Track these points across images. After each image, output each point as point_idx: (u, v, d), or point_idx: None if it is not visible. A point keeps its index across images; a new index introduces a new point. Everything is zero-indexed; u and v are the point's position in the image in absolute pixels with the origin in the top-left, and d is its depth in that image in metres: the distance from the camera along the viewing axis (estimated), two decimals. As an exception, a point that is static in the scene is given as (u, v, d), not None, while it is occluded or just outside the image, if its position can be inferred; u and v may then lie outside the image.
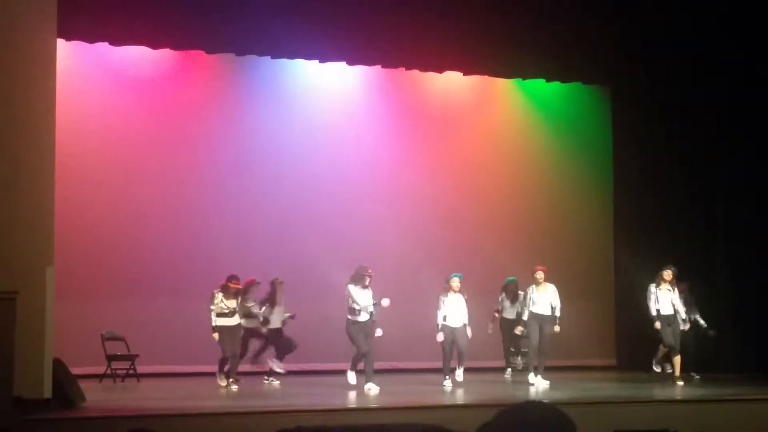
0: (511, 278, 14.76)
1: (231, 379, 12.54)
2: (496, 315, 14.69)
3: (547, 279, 13.62)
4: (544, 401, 3.92)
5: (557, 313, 13.16)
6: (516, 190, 16.91)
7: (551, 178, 17.15)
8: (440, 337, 12.69)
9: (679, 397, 12.05)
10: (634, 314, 14.54)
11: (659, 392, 12.59)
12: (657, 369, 13.71)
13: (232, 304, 12.63)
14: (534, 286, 13.27)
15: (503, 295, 14.77)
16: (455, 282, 12.89)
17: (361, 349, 12.19)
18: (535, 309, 13.18)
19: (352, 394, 11.78)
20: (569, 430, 2.92)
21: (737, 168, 15.39)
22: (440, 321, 12.78)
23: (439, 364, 12.91)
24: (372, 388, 11.94)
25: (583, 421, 8.44)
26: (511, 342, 14.63)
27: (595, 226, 17.30)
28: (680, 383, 13.11)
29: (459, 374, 12.81)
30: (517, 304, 14.24)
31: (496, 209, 16.71)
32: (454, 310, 12.81)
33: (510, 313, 14.56)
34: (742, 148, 15.25)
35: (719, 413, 10.55)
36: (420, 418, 8.73)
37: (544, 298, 13.18)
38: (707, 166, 15.75)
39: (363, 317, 12.23)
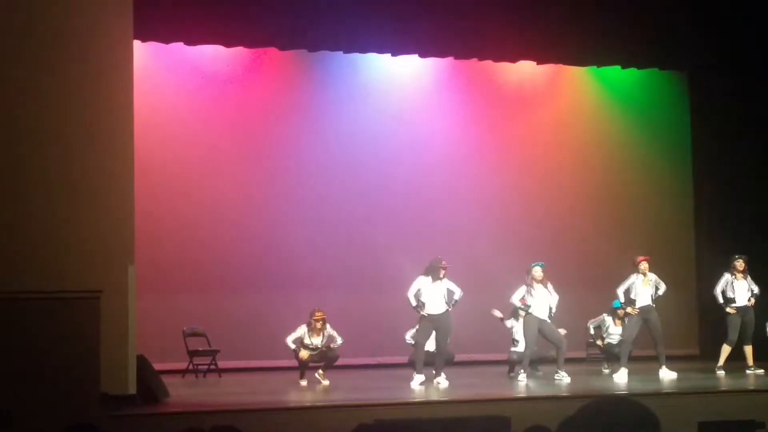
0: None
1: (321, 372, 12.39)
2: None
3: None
4: (627, 395, 3.89)
5: (660, 293, 12.96)
6: (593, 181, 16.71)
7: (628, 168, 16.91)
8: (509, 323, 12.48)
9: (763, 387, 11.83)
10: (717, 303, 14.27)
11: (742, 382, 12.36)
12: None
13: (318, 341, 12.34)
14: (639, 275, 12.94)
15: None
16: (537, 271, 12.56)
17: (417, 343, 12.21)
18: (640, 302, 12.88)
19: (422, 388, 11.77)
20: (653, 425, 2.89)
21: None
22: (517, 304, 12.53)
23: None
24: (441, 382, 11.94)
25: (667, 413, 8.34)
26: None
27: (675, 214, 17.03)
28: (758, 372, 12.96)
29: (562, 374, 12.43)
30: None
31: (575, 200, 16.53)
32: (538, 301, 12.49)
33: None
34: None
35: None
36: (497, 411, 8.70)
37: (646, 291, 12.95)
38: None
39: (428, 310, 12.10)
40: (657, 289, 12.95)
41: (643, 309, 12.88)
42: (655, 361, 13.06)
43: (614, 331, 13.80)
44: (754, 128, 15.65)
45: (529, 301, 12.49)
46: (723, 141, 16.16)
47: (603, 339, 13.92)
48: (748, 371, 13.12)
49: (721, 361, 13.20)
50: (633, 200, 16.84)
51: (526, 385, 12.10)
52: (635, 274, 13.00)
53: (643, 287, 12.92)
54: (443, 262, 12.26)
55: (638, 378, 12.55)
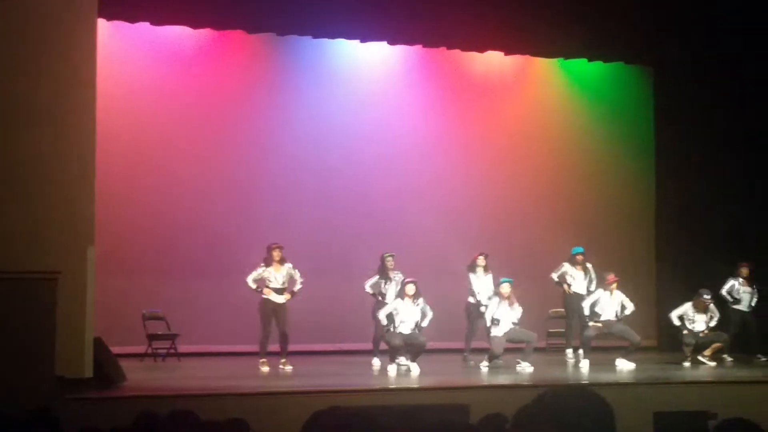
0: (578, 248, 14.20)
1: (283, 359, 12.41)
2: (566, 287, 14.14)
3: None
4: (583, 385, 3.89)
5: (627, 312, 13.18)
6: (556, 171, 16.77)
7: (592, 160, 17.00)
8: (497, 348, 12.43)
9: (718, 379, 11.98)
10: (676, 296, 14.42)
11: (697, 374, 12.51)
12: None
13: (279, 276, 12.40)
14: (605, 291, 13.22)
15: (568, 267, 14.14)
16: (505, 288, 12.66)
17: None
18: (604, 316, 13.11)
19: (387, 375, 11.79)
20: (607, 414, 2.88)
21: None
22: (489, 323, 12.58)
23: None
24: (413, 368, 11.99)
25: (623, 403, 8.40)
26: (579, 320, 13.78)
27: (636, 207, 17.15)
28: (711, 363, 13.31)
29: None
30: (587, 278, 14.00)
31: (537, 189, 16.58)
32: (505, 315, 12.59)
33: (580, 287, 14.06)
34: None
35: (756, 395, 10.46)
36: (456, 399, 8.72)
37: (611, 307, 13.14)
38: (752, 149, 15.52)
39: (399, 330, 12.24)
40: (624, 308, 13.13)
41: (605, 323, 13.07)
42: (616, 351, 13.18)
43: (577, 276, 14.05)
44: (717, 124, 15.76)
45: (497, 315, 12.59)
46: (686, 136, 16.27)
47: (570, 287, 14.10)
48: (699, 357, 13.47)
49: (709, 352, 13.64)
50: (596, 193, 16.93)
51: (486, 373, 12.15)
52: (602, 290, 13.26)
53: (608, 304, 13.14)
54: (407, 280, 12.46)
55: (597, 368, 12.64)
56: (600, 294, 13.28)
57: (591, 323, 13.19)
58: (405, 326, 12.21)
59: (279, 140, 15.38)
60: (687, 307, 13.64)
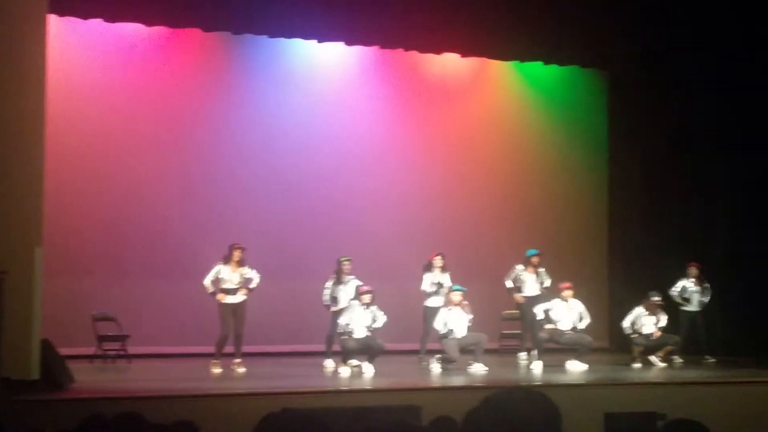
0: (533, 251, 14.25)
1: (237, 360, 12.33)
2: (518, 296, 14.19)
3: (542, 265, 13.88)
4: (530, 386, 3.89)
5: (583, 325, 13.25)
6: (511, 173, 16.85)
7: (546, 162, 17.10)
8: (453, 352, 12.42)
9: (667, 380, 12.10)
10: (628, 297, 14.54)
11: (647, 375, 12.62)
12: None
13: (235, 277, 12.35)
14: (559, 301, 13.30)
15: (521, 270, 14.17)
16: (456, 295, 12.69)
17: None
18: (560, 326, 13.18)
19: (340, 376, 11.75)
20: (554, 416, 2.88)
21: (737, 155, 15.31)
22: (443, 331, 12.58)
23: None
24: (367, 369, 11.97)
25: (574, 404, 8.42)
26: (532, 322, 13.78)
27: (589, 209, 17.27)
28: (661, 364, 13.47)
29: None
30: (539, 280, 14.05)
31: (491, 192, 16.64)
32: (456, 322, 12.60)
33: (532, 289, 14.11)
34: (743, 135, 15.16)
35: (704, 396, 10.58)
36: (408, 400, 8.70)
37: (567, 317, 13.20)
38: (705, 153, 15.69)
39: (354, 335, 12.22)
40: (581, 319, 13.20)
41: (558, 332, 13.19)
42: (569, 353, 13.25)
43: (529, 279, 14.10)
44: (669, 127, 15.92)
45: (449, 323, 12.60)
46: (639, 139, 16.44)
47: (520, 290, 14.16)
48: (650, 358, 13.60)
49: (662, 354, 13.77)
50: (550, 195, 17.01)
51: (439, 375, 12.16)
52: (557, 299, 13.32)
53: (565, 313, 13.19)
54: (363, 288, 12.49)
55: (550, 369, 12.70)
56: (555, 303, 13.33)
57: (548, 326, 13.23)
58: (357, 331, 12.18)
59: (234, 140, 15.27)
60: (638, 312, 13.74)
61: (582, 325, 13.25)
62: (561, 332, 13.16)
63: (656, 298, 13.67)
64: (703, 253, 15.01)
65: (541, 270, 14.16)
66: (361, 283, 12.92)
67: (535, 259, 14.09)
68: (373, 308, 12.31)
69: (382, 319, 12.31)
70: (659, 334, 13.70)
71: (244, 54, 15.43)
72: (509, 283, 14.18)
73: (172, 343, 14.09)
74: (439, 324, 12.63)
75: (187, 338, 13.93)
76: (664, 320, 13.75)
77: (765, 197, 14.83)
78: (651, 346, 13.65)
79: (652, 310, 13.66)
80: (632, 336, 13.70)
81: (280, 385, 10.51)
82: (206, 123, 15.18)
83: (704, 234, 15.58)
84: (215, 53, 15.34)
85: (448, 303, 12.75)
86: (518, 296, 14.16)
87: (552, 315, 13.24)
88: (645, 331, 13.65)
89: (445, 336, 12.55)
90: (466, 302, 12.73)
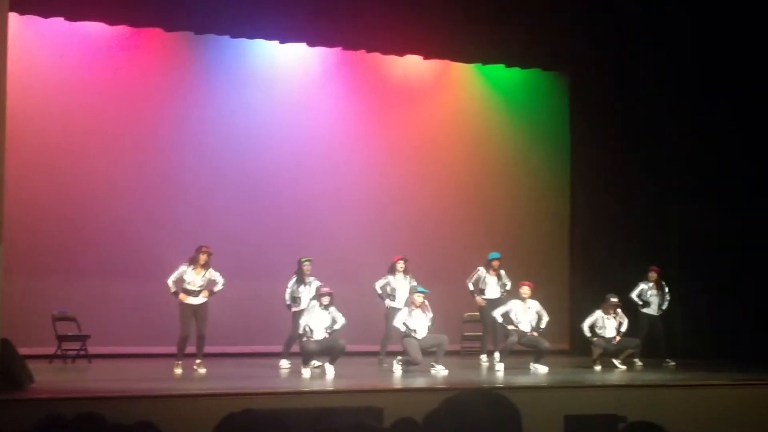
0: (495, 254, 14.29)
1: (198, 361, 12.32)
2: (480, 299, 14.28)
3: (503, 267, 13.96)
4: (489, 388, 3.93)
5: (542, 325, 13.32)
6: (473, 175, 16.92)
7: (508, 164, 17.19)
8: (415, 353, 12.45)
9: (628, 383, 12.20)
10: (589, 299, 14.66)
11: (608, 378, 12.72)
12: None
13: (198, 279, 12.29)
14: (519, 301, 13.36)
15: (483, 272, 14.24)
16: (418, 298, 12.72)
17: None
18: (520, 327, 13.24)
19: (301, 377, 11.75)
20: (514, 417, 2.91)
21: (698, 157, 15.47)
22: (404, 332, 12.62)
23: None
24: (329, 370, 11.96)
25: (535, 406, 8.49)
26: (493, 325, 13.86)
27: (550, 211, 17.39)
28: (621, 367, 13.58)
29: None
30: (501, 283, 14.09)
31: (453, 194, 16.71)
32: (418, 323, 12.63)
33: (493, 292, 14.19)
34: (704, 137, 15.32)
35: (664, 398, 10.69)
36: (370, 402, 8.72)
37: (525, 317, 13.26)
38: (666, 155, 15.85)
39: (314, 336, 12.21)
40: (540, 319, 13.27)
41: (519, 333, 13.18)
42: (530, 355, 13.33)
43: (491, 282, 14.09)
44: (630, 130, 16.07)
45: (410, 323, 12.62)
46: (600, 141, 16.57)
47: (483, 292, 14.19)
48: (612, 360, 13.68)
49: (622, 357, 13.84)
50: (511, 198, 17.12)
51: (401, 376, 12.18)
52: (515, 300, 13.36)
53: (523, 314, 13.24)
54: (323, 289, 12.45)
55: (511, 371, 12.76)
56: (513, 304, 13.40)
57: (511, 327, 13.27)
58: (316, 333, 12.19)
59: (196, 140, 15.22)
60: (597, 315, 13.84)
61: (542, 324, 13.32)
62: (523, 333, 13.23)
63: (614, 299, 13.78)
64: (664, 256, 15.17)
65: (503, 273, 14.23)
66: (321, 284, 12.93)
67: (496, 263, 14.17)
68: (332, 309, 12.32)
69: (341, 320, 12.32)
70: (619, 338, 13.80)
71: (207, 54, 15.38)
72: (471, 286, 14.26)
73: (133, 343, 14.01)
74: (399, 322, 12.65)
75: (148, 338, 13.86)
76: (625, 324, 13.86)
77: (726, 200, 14.99)
78: (611, 350, 13.76)
79: (611, 311, 13.76)
80: (593, 339, 13.80)
81: (242, 386, 10.47)
82: (168, 123, 15.12)
83: (665, 236, 15.73)
84: (177, 53, 15.28)
85: (410, 304, 12.79)
86: (480, 299, 14.24)
87: (512, 316, 13.31)
88: (607, 334, 13.75)
89: (407, 335, 12.56)
90: (426, 303, 12.77)
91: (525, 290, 13.31)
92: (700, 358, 14.30)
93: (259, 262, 14.88)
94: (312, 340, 12.12)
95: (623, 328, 13.85)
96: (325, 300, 12.28)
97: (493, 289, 14.16)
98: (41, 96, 14.20)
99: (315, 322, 12.23)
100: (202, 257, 12.22)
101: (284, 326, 13.31)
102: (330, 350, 12.12)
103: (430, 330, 12.72)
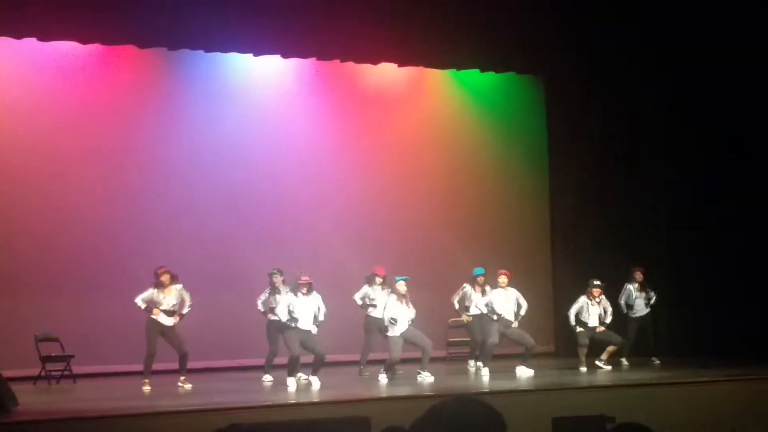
0: (479, 270, 14.20)
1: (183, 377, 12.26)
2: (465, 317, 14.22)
3: (488, 282, 13.93)
4: (473, 394, 3.93)
5: (522, 312, 13.33)
6: (452, 181, 16.95)
7: (487, 168, 17.23)
8: (397, 352, 12.40)
9: (615, 383, 12.22)
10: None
11: (595, 378, 12.74)
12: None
13: (170, 300, 12.27)
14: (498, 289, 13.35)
15: (468, 289, 14.19)
16: (401, 285, 12.59)
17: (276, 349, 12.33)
18: (505, 316, 13.22)
19: (287, 390, 11.71)
20: (498, 423, 2.90)
21: (676, 157, 15.55)
22: (387, 323, 12.54)
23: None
24: (314, 382, 11.90)
25: (522, 409, 8.49)
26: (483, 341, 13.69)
27: (531, 213, 17.43)
28: (607, 367, 13.55)
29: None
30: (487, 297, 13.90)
31: (433, 199, 16.72)
32: (401, 314, 12.54)
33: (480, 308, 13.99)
34: (682, 138, 15.41)
35: (651, 397, 10.72)
36: (357, 411, 8.70)
37: (507, 305, 13.26)
38: (644, 155, 15.92)
39: (300, 325, 12.06)
40: (520, 306, 13.27)
41: (504, 322, 13.16)
42: (516, 358, 13.33)
43: (477, 299, 14.00)
44: (607, 132, 16.14)
45: (394, 314, 12.55)
46: (577, 142, 16.63)
47: (468, 309, 14.14)
48: (596, 362, 13.63)
49: (606, 356, 13.81)
50: (491, 202, 17.15)
51: (387, 385, 12.15)
52: (495, 290, 13.34)
53: (505, 303, 13.25)
54: (303, 278, 12.26)
55: (497, 376, 12.77)
56: (494, 294, 13.37)
57: (493, 318, 13.22)
58: (302, 321, 12.07)
59: (173, 156, 15.18)
60: (582, 302, 13.82)
61: (522, 312, 13.28)
62: (508, 323, 13.19)
63: (597, 283, 13.77)
64: (647, 255, 15.21)
65: (488, 288, 14.06)
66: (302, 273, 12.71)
67: (480, 278, 14.01)
68: (314, 294, 12.16)
69: (323, 308, 12.21)
70: (603, 329, 13.78)
71: (181, 69, 15.35)
72: (456, 304, 14.17)
73: (118, 362, 13.93)
74: (379, 311, 12.62)
75: (132, 356, 13.74)
76: (609, 312, 13.82)
77: (705, 200, 15.06)
78: (596, 340, 13.68)
79: (595, 297, 13.74)
80: (577, 328, 13.75)
81: (228, 401, 10.44)
82: (145, 139, 15.08)
83: (647, 236, 15.80)
84: (152, 69, 15.23)
85: (395, 293, 12.63)
86: (466, 316, 14.15)
87: (495, 307, 13.25)
88: (591, 322, 13.72)
89: (391, 322, 12.47)
90: (407, 296, 12.64)
91: (503, 279, 13.30)
92: (685, 356, 14.34)
93: (239, 275, 14.80)
94: (294, 330, 11.98)
95: (607, 319, 13.82)
96: (304, 289, 12.14)
97: (478, 305, 14.01)
98: (16, 117, 14.15)
99: (300, 310, 12.11)
100: (164, 278, 12.20)
101: (266, 339, 13.24)
102: (311, 350, 11.98)
103: (411, 324, 12.60)
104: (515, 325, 13.27)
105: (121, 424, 8.77)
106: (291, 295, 12.22)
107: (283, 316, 12.12)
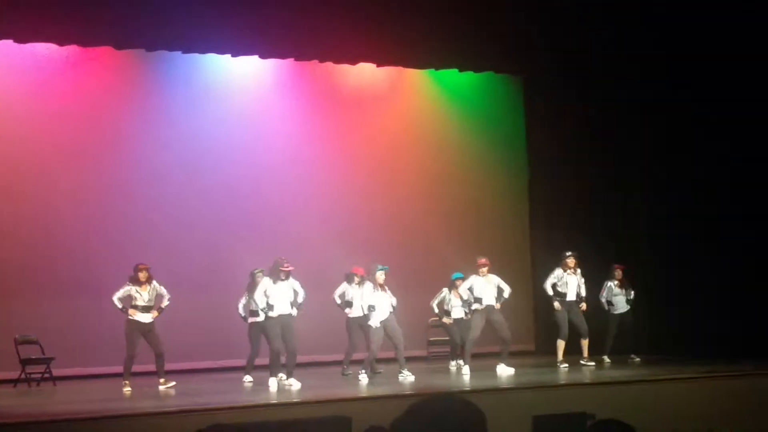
0: (458, 274, 14.15)
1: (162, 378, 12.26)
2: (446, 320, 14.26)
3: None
4: (453, 392, 3.95)
5: (505, 296, 13.33)
6: (432, 180, 16.99)
7: (467, 167, 17.28)
8: (376, 342, 12.40)
9: (594, 380, 12.27)
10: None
11: (575, 376, 12.79)
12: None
13: (146, 295, 12.25)
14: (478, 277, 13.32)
15: (447, 293, 14.25)
16: (381, 275, 12.59)
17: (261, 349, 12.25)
18: (485, 301, 13.22)
19: (269, 390, 11.71)
20: (479, 421, 2.92)
21: (656, 155, 15.61)
22: (366, 311, 12.55)
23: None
24: (293, 384, 11.87)
25: (502, 408, 8.51)
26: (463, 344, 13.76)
27: (510, 213, 17.49)
28: (590, 364, 13.56)
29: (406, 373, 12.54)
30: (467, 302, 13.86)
31: (413, 199, 16.76)
32: (381, 303, 12.51)
33: (459, 312, 14.11)
34: (661, 135, 15.47)
35: (630, 395, 10.77)
36: (338, 411, 8.71)
37: (487, 288, 13.25)
38: (623, 153, 15.99)
39: (276, 311, 12.03)
40: (501, 291, 13.29)
41: (487, 307, 13.17)
42: (495, 357, 13.36)
43: (456, 303, 14.04)
44: (584, 128, 16.21)
45: (373, 302, 12.52)
46: (556, 140, 16.70)
47: (448, 313, 14.15)
48: (581, 362, 13.63)
49: (560, 356, 13.70)
50: (471, 202, 17.20)
51: (368, 384, 12.16)
52: (474, 276, 13.33)
53: (485, 287, 13.24)
54: (285, 264, 12.18)
55: (478, 375, 12.80)
56: (473, 279, 13.36)
57: (475, 306, 13.23)
58: (279, 306, 12.02)
59: (152, 157, 15.15)
60: (557, 273, 13.82)
61: (505, 295, 13.30)
62: (491, 308, 13.19)
63: (569, 253, 13.79)
64: (626, 253, 15.28)
65: (494, 279, 13.96)
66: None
67: (459, 282, 13.97)
68: (292, 280, 12.12)
69: (301, 292, 12.18)
70: (584, 308, 13.76)
71: (159, 70, 15.33)
72: (435, 308, 14.21)
73: (98, 364, 13.91)
74: (356, 310, 12.71)
75: (112, 358, 13.70)
76: (583, 287, 13.79)
77: (684, 197, 15.13)
78: (571, 322, 13.65)
79: (570, 267, 13.76)
80: (553, 299, 13.76)
81: (208, 401, 10.41)
82: (123, 140, 15.04)
83: (626, 234, 15.87)
84: (129, 71, 15.20)
85: (371, 282, 12.65)
86: (446, 320, 14.20)
87: (475, 293, 13.27)
88: (569, 294, 13.72)
89: (371, 309, 12.43)
90: (384, 285, 12.62)
91: (483, 269, 13.31)
92: (665, 353, 14.41)
93: (220, 276, 14.81)
94: (274, 319, 11.96)
95: (583, 292, 13.84)
96: (283, 276, 12.11)
97: (459, 310, 14.05)
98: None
99: (276, 294, 12.05)
100: (141, 274, 12.24)
101: (248, 340, 13.24)
102: (284, 343, 11.95)
103: (394, 311, 12.59)
104: (497, 307, 13.23)
105: (103, 426, 8.74)
106: (268, 280, 12.18)
107: (261, 302, 12.07)
